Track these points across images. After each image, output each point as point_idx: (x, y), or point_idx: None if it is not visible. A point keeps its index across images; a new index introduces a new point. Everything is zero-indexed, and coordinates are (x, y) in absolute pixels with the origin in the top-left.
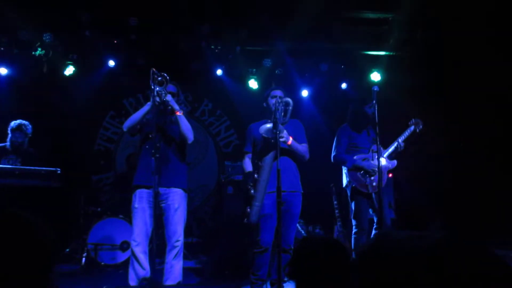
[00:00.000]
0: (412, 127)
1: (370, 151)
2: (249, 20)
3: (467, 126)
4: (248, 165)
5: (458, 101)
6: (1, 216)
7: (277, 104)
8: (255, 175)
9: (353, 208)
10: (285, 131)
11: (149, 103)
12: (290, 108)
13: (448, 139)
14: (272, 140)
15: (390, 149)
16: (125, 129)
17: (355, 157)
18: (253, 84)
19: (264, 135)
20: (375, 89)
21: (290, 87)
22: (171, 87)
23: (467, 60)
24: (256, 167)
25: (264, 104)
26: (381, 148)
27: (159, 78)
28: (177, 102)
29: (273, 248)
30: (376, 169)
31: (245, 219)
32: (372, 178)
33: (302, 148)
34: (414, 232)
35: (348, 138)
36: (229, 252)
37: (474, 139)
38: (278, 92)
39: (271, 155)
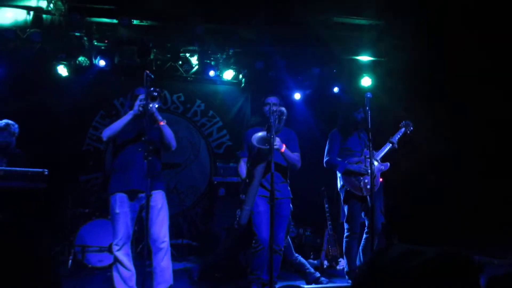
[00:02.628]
0: (403, 129)
1: (363, 153)
2: (241, 23)
3: (456, 131)
4: (243, 169)
5: (448, 105)
6: None
7: (269, 113)
8: (246, 180)
9: (346, 211)
10: (278, 139)
11: (131, 112)
12: (284, 117)
13: (438, 143)
14: (266, 146)
15: (384, 151)
16: (104, 139)
17: (347, 161)
18: (244, 86)
19: (256, 144)
20: (368, 95)
21: (282, 90)
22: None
23: (457, 67)
24: (248, 173)
25: (263, 110)
26: (374, 151)
27: (154, 93)
28: (160, 105)
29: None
30: (369, 169)
31: (235, 223)
32: (367, 180)
33: (294, 156)
34: (408, 248)
35: (340, 143)
36: (220, 255)
37: (463, 144)
38: (272, 99)
39: (262, 164)
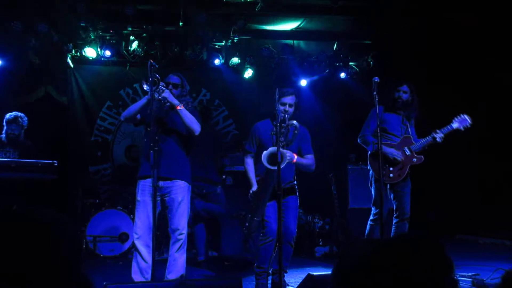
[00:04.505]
0: (456, 124)
1: (401, 138)
2: (245, 9)
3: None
4: (250, 165)
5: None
6: (18, 219)
7: (278, 133)
8: (254, 189)
9: (373, 194)
10: (288, 152)
11: (146, 96)
12: (297, 132)
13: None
14: (275, 167)
15: (423, 144)
16: (122, 119)
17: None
18: (249, 73)
19: (266, 164)
20: (376, 80)
21: (288, 76)
22: (175, 78)
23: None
24: (258, 181)
25: (275, 107)
26: (413, 140)
27: (150, 79)
28: (181, 93)
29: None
30: (399, 158)
31: (244, 228)
32: (391, 168)
33: (307, 162)
34: (369, 240)
35: (379, 121)
36: (229, 244)
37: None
38: (289, 99)
39: (273, 182)
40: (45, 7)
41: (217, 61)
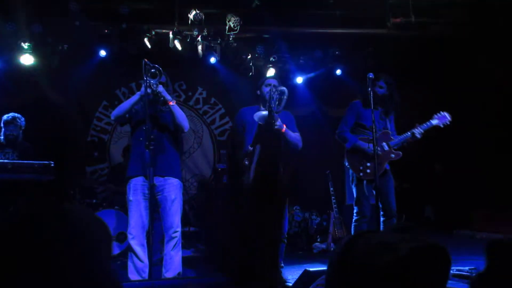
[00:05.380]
0: (436, 121)
1: (379, 133)
2: (240, 6)
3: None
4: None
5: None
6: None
7: (271, 93)
8: (245, 161)
9: (355, 193)
10: (279, 119)
11: (138, 92)
12: (285, 97)
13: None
14: (267, 131)
15: (401, 140)
16: (112, 118)
17: (359, 138)
18: (247, 71)
19: (259, 122)
20: (370, 76)
21: (284, 73)
22: (163, 77)
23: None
24: (246, 153)
25: (258, 92)
26: (392, 135)
27: (152, 70)
28: (167, 91)
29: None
30: (377, 154)
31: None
32: (369, 164)
33: (296, 136)
34: (379, 240)
35: (356, 117)
36: (226, 241)
37: (466, 123)
38: (272, 81)
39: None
40: (38, 7)
41: (212, 59)
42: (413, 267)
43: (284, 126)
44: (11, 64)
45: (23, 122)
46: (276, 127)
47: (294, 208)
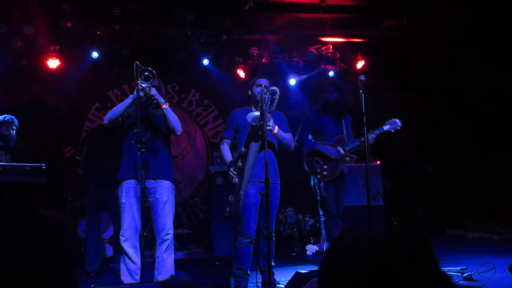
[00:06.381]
0: (387, 126)
1: (336, 139)
2: (233, 8)
3: (450, 113)
4: (226, 151)
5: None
6: (21, 216)
7: (263, 93)
8: (239, 163)
9: (318, 197)
10: (271, 120)
11: (131, 96)
12: (277, 97)
13: (431, 126)
14: (260, 132)
15: (352, 145)
16: (105, 122)
17: (319, 142)
18: (240, 73)
19: (252, 122)
20: (362, 78)
21: (277, 75)
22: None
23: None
24: (240, 155)
25: (249, 92)
26: (347, 139)
27: (146, 73)
28: (160, 94)
29: (256, 237)
30: (334, 155)
31: (227, 209)
32: (326, 166)
33: (288, 136)
34: (360, 232)
35: (311, 123)
36: (220, 244)
37: (456, 125)
38: (263, 81)
39: (257, 143)
40: (30, 9)
41: (205, 61)
42: (389, 254)
43: (277, 127)
44: (2, 65)
45: (17, 122)
46: (268, 127)
47: (287, 210)
